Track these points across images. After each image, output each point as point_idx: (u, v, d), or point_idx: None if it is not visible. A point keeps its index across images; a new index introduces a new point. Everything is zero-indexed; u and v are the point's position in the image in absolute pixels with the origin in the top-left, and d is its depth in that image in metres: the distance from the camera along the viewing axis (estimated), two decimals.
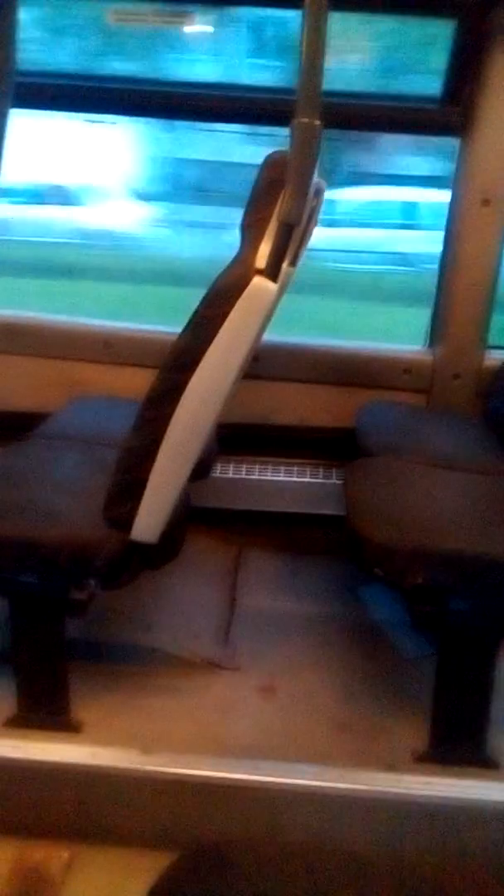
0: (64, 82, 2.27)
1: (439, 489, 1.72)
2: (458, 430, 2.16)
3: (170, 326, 2.18)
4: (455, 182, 2.23)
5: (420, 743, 1.58)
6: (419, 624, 1.52)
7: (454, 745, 1.56)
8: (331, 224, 6.76)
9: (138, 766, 1.51)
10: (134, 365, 2.27)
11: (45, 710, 1.59)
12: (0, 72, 1.28)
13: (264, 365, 2.20)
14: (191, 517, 1.70)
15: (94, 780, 1.52)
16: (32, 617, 1.55)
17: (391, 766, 1.54)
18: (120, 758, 1.52)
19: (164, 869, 1.37)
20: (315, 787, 1.50)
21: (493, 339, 2.34)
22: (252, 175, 1.47)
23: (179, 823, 1.52)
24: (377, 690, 1.78)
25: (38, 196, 7.55)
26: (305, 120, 1.26)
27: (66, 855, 1.49)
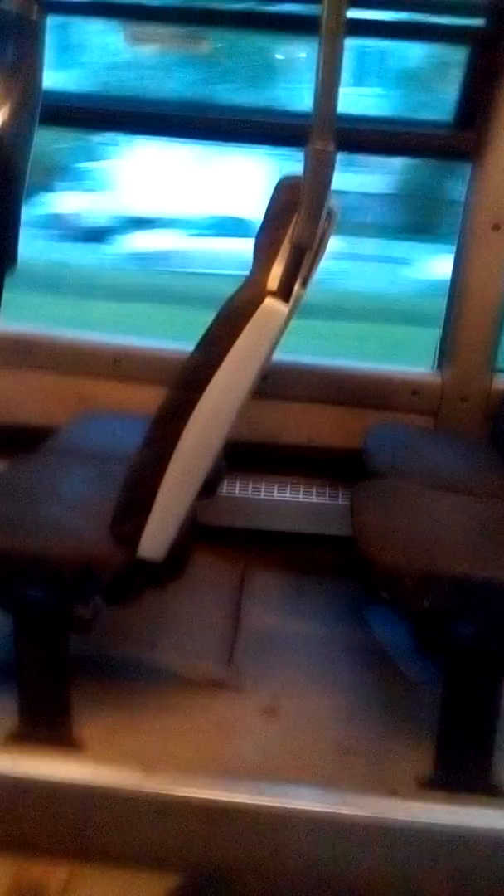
0: (87, 104, 2.31)
1: (447, 512, 1.71)
2: (466, 452, 2.16)
3: (178, 345, 2.20)
4: (465, 206, 2.24)
5: (425, 768, 1.56)
6: (425, 648, 1.51)
7: (459, 772, 1.55)
8: None
9: (139, 786, 1.50)
10: (143, 381, 2.28)
11: (47, 726, 1.58)
12: (27, 92, 1.30)
13: (273, 384, 2.20)
14: (197, 535, 1.70)
15: (94, 799, 1.51)
16: (36, 632, 1.55)
17: (395, 792, 1.52)
18: (121, 777, 1.51)
19: (166, 892, 1.36)
20: (317, 811, 1.49)
21: (501, 362, 2.35)
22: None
23: (180, 844, 1.50)
24: (381, 714, 1.77)
25: (216, 227, 7.64)
26: (320, 144, 1.28)
27: (64, 874, 1.48)
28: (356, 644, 2.03)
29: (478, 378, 2.32)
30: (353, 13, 1.28)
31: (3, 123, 1.25)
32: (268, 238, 1.39)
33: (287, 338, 1.56)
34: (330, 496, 2.39)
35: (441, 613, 1.44)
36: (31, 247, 1.48)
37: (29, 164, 1.37)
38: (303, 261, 1.35)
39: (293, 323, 1.53)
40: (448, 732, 1.55)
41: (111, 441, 1.97)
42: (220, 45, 2.39)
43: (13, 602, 1.53)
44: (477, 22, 2.07)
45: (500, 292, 2.24)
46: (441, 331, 2.40)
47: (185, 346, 1.46)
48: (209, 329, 1.38)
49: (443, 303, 2.35)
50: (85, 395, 2.35)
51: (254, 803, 1.48)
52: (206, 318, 1.40)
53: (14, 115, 1.28)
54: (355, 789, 1.52)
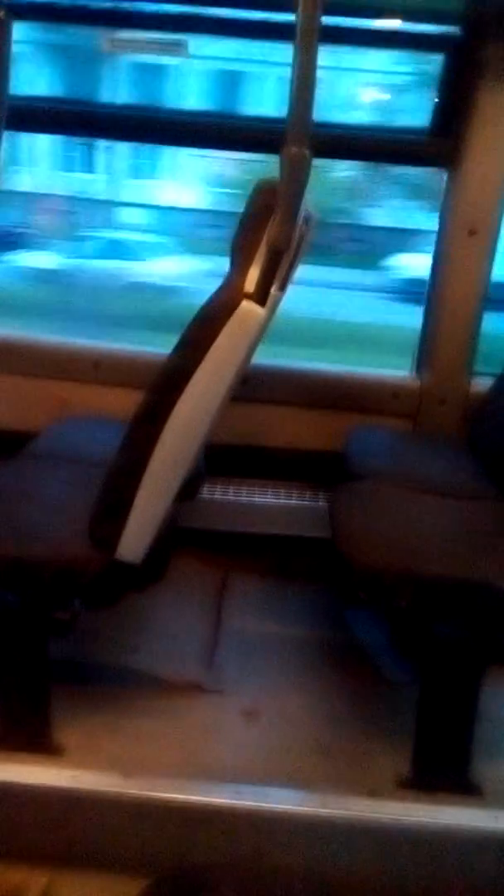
0: (58, 107, 2.30)
1: (424, 514, 1.73)
2: (443, 455, 2.18)
3: (158, 348, 2.20)
4: (442, 212, 2.27)
5: (403, 768, 1.57)
6: (403, 648, 1.52)
7: (437, 771, 1.56)
8: None
9: (119, 790, 1.50)
10: (123, 385, 2.28)
11: (26, 731, 1.58)
12: None
13: (253, 387, 2.21)
14: (177, 538, 1.70)
15: (74, 803, 1.51)
16: (15, 636, 1.54)
17: (374, 792, 1.53)
18: (101, 781, 1.51)
19: (141, 891, 1.36)
20: (298, 812, 1.49)
21: (478, 366, 2.37)
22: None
23: (160, 848, 1.50)
24: (361, 715, 1.78)
25: None
26: (295, 149, 1.29)
27: (44, 879, 1.47)
28: (336, 646, 2.04)
29: (456, 381, 2.35)
30: (328, 20, 1.30)
31: None
32: (244, 241, 1.40)
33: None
34: (310, 499, 2.40)
35: (419, 614, 1.45)
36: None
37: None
38: (279, 264, 1.36)
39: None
40: (426, 732, 1.56)
41: (91, 445, 1.97)
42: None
43: None
44: (452, 30, 2.10)
45: (477, 296, 2.27)
46: (420, 335, 2.42)
47: (164, 350, 1.46)
48: (186, 331, 1.39)
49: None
50: (65, 399, 2.35)
51: (234, 805, 1.49)
52: None
53: None
54: (335, 790, 1.53)
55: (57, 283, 7.43)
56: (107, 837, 1.50)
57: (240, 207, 1.43)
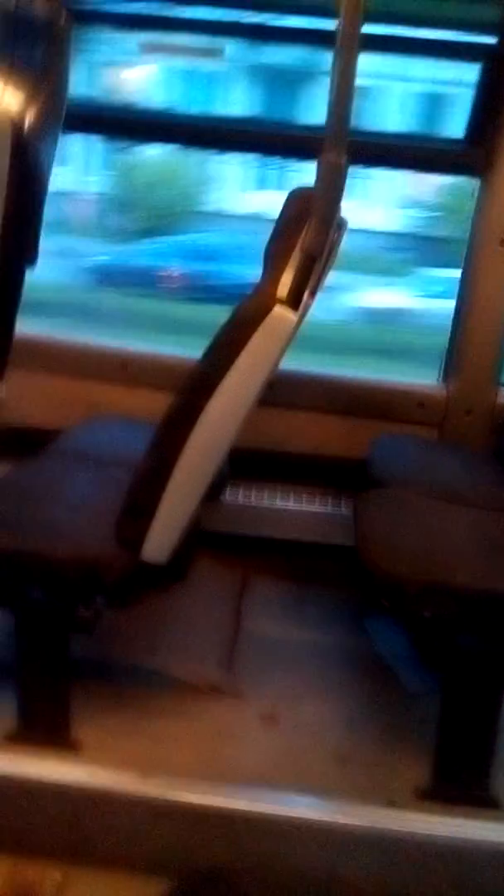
0: (101, 111, 2.33)
1: (450, 523, 1.72)
2: (469, 465, 2.16)
3: (186, 350, 2.21)
4: (473, 221, 2.26)
5: (422, 779, 1.56)
6: (425, 658, 1.51)
7: (457, 783, 1.55)
8: None
9: (136, 790, 1.50)
10: (149, 387, 2.29)
11: (46, 727, 1.59)
12: (53, 96, 1.33)
13: (279, 392, 2.21)
14: (200, 541, 1.71)
15: (90, 801, 1.51)
16: (38, 633, 1.55)
17: (392, 802, 1.52)
18: (118, 780, 1.51)
19: (164, 892, 1.36)
20: (313, 819, 1.48)
21: None
22: None
23: (174, 849, 1.50)
24: (380, 724, 1.77)
25: None
26: (332, 156, 1.30)
27: (58, 875, 1.48)
28: (356, 653, 2.03)
29: (483, 391, 2.33)
30: (368, 28, 1.30)
31: (30, 126, 1.28)
32: (279, 247, 1.41)
33: None
34: (333, 506, 2.39)
35: (442, 624, 1.44)
36: None
37: (52, 167, 1.40)
38: (313, 270, 1.36)
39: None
40: (447, 744, 1.55)
41: (117, 445, 1.98)
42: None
43: (15, 602, 1.54)
44: (489, 39, 2.10)
45: None
46: (447, 343, 2.41)
47: (191, 352, 1.47)
48: (218, 336, 1.40)
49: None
50: (92, 399, 2.36)
51: (250, 810, 1.48)
52: None
53: (40, 119, 1.30)
54: (352, 798, 1.52)
55: None
56: (122, 836, 1.51)
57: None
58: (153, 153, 4.95)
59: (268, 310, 1.34)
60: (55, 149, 1.38)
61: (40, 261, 1.51)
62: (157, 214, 6.19)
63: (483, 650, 1.48)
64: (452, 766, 1.55)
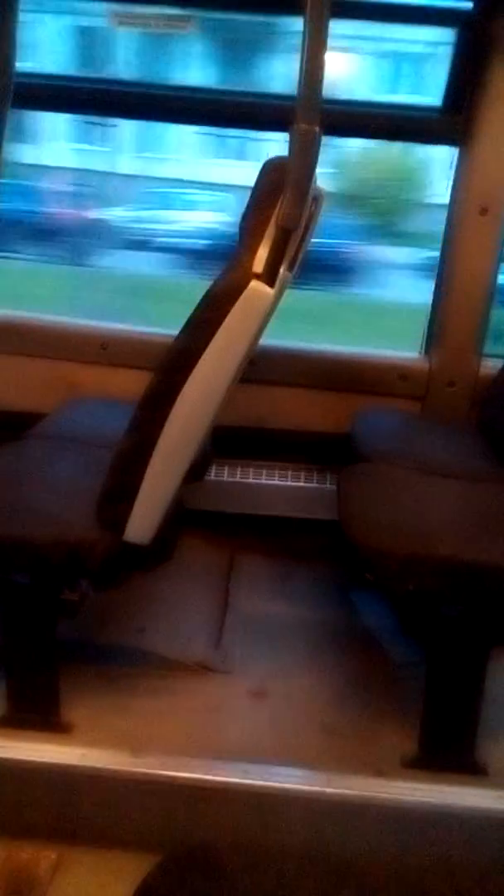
0: (63, 84, 2.28)
1: (433, 496, 1.72)
2: (452, 437, 2.17)
3: (166, 329, 2.19)
4: (453, 190, 2.24)
5: (409, 748, 1.58)
6: (410, 629, 1.52)
7: (443, 751, 1.57)
8: None
9: (128, 768, 1.51)
10: (130, 367, 2.28)
11: (36, 710, 1.59)
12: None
13: (261, 369, 2.20)
14: (185, 520, 1.70)
15: (83, 781, 1.52)
16: (24, 617, 1.55)
17: (380, 772, 1.54)
18: (109, 759, 1.52)
19: (149, 870, 1.37)
20: (304, 791, 1.50)
21: (488, 347, 2.35)
22: None
23: (168, 826, 1.52)
24: (368, 695, 1.78)
25: None
26: (305, 126, 1.28)
27: (53, 856, 1.49)
28: (343, 627, 2.05)
29: (465, 363, 2.33)
30: None
31: None
32: (253, 220, 1.39)
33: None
34: (318, 481, 2.40)
35: (426, 596, 1.45)
36: None
37: (3, 145, 1.36)
38: (288, 243, 1.35)
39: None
40: (432, 713, 1.57)
41: (98, 426, 1.97)
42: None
43: (1, 586, 1.53)
44: (465, 5, 2.06)
45: (488, 277, 2.25)
46: (429, 315, 2.40)
47: (172, 331, 1.45)
48: (194, 312, 1.38)
49: None
50: (72, 380, 2.34)
51: (241, 784, 1.50)
52: None
53: None
54: (341, 769, 1.53)
55: None
56: (115, 815, 1.52)
57: None
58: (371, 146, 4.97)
59: (244, 285, 1.32)
60: (5, 127, 1.33)
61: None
62: (384, 210, 6.15)
63: (466, 620, 1.49)
64: (438, 735, 1.57)
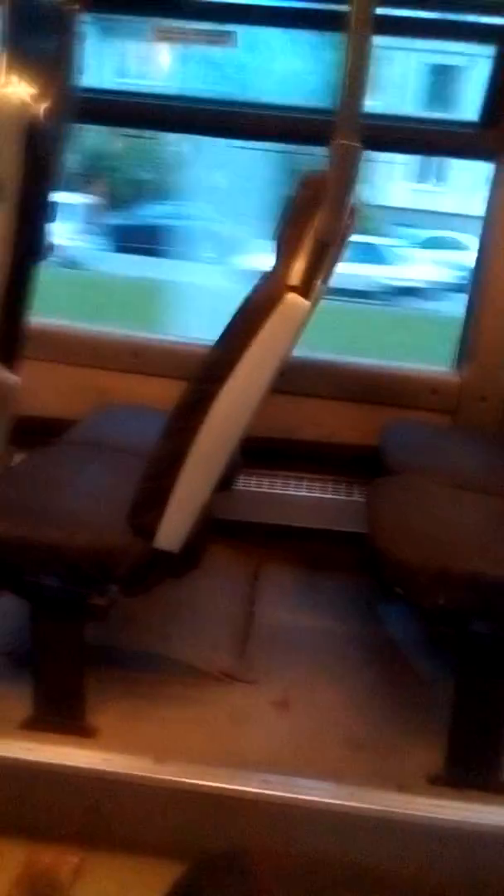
0: (113, 99, 2.32)
1: (463, 510, 1.71)
2: (483, 451, 2.15)
3: (197, 338, 2.20)
4: (489, 205, 2.23)
5: (434, 765, 1.57)
6: (439, 645, 1.51)
7: (468, 769, 1.55)
8: None
9: (150, 774, 1.51)
10: (161, 375, 2.30)
11: (61, 713, 1.60)
12: (65, 85, 1.31)
13: (290, 380, 2.19)
14: (212, 529, 1.71)
15: (106, 786, 1.53)
16: (53, 620, 1.56)
17: (403, 787, 1.52)
18: (133, 765, 1.53)
19: (181, 874, 1.37)
20: (325, 804, 1.49)
21: None
22: None
23: (189, 833, 1.52)
24: (392, 710, 1.77)
25: None
26: (345, 141, 1.28)
27: (75, 860, 1.49)
28: (369, 640, 2.04)
29: (497, 377, 2.32)
30: (382, 10, 1.28)
31: (45, 117, 1.27)
32: (290, 233, 1.40)
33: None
34: (346, 493, 2.39)
35: (455, 611, 1.44)
36: None
37: (64, 158, 1.38)
38: (326, 256, 1.36)
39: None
40: (459, 729, 1.55)
41: (129, 434, 1.99)
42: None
43: (31, 590, 1.55)
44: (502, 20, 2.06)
45: None
46: (461, 329, 2.39)
47: (202, 340, 1.47)
48: (230, 323, 1.39)
49: None
50: (104, 387, 2.37)
51: (263, 794, 1.49)
52: None
53: (53, 108, 1.29)
54: (364, 783, 1.52)
55: None
56: (137, 820, 1.52)
57: None
58: None
59: (280, 297, 1.33)
60: (67, 139, 1.37)
61: None
62: None
63: (497, 637, 1.48)
64: (465, 752, 1.55)
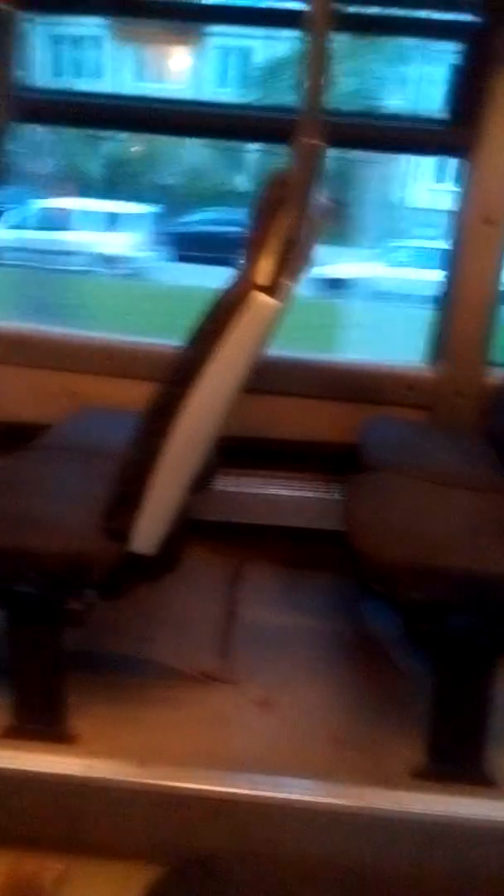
0: (65, 99, 2.30)
1: (440, 506, 1.72)
2: (460, 447, 2.16)
3: (173, 341, 2.19)
4: (459, 201, 2.24)
5: (417, 759, 1.57)
6: (417, 640, 1.52)
7: (451, 762, 1.55)
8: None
9: (134, 779, 1.51)
10: (136, 377, 2.28)
11: (42, 720, 1.59)
12: (2, 86, 1.30)
13: (267, 379, 2.19)
14: (191, 530, 1.71)
15: (89, 793, 1.52)
16: (30, 627, 1.55)
17: (387, 783, 1.53)
18: (115, 770, 1.52)
19: (153, 882, 1.36)
20: (310, 802, 1.49)
21: (496, 356, 2.35)
22: None
23: (174, 837, 1.51)
24: (375, 706, 1.78)
25: None
26: (308, 140, 1.29)
27: (59, 867, 1.49)
28: (351, 637, 2.04)
29: (472, 373, 2.33)
30: (344, 7, 1.29)
31: None
32: (257, 232, 1.40)
33: None
34: (325, 491, 2.39)
35: (433, 606, 1.45)
36: None
37: (4, 158, 1.37)
38: (292, 255, 1.36)
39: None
40: (440, 723, 1.56)
41: (104, 437, 1.98)
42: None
43: (7, 597, 1.54)
44: (470, 17, 2.07)
45: (493, 286, 2.25)
46: (436, 325, 2.40)
47: (177, 341, 1.46)
48: (199, 324, 1.39)
49: None
50: (78, 391, 2.35)
51: (248, 795, 1.49)
52: None
53: None
54: (348, 780, 1.53)
55: None
56: (121, 826, 1.52)
57: None
58: None
59: (247, 297, 1.33)
60: (5, 139, 1.35)
61: None
62: None
63: (474, 630, 1.48)
64: (446, 746, 1.56)
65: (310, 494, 2.40)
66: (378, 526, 1.58)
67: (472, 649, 1.51)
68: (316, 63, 1.26)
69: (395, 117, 2.38)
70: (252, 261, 1.36)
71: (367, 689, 1.84)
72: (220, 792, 1.50)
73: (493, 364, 2.35)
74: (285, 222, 1.32)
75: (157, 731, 1.65)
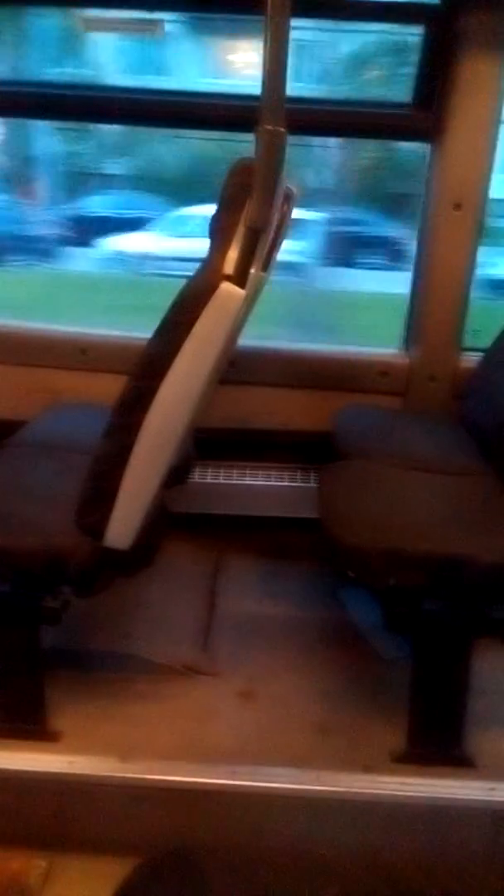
0: (32, 90, 2.26)
1: (413, 491, 1.73)
2: (433, 432, 2.17)
3: (147, 333, 2.18)
4: (427, 186, 2.24)
5: (398, 743, 1.59)
6: (393, 625, 1.53)
7: (431, 745, 1.57)
8: None
9: (116, 774, 1.51)
10: (111, 372, 2.26)
11: (22, 719, 1.59)
12: None
13: (241, 369, 2.20)
14: (169, 523, 1.70)
15: (72, 789, 1.52)
16: (6, 625, 1.54)
17: (369, 768, 1.54)
18: (98, 766, 1.52)
19: (127, 874, 1.37)
20: (293, 790, 1.51)
21: (468, 341, 2.36)
22: None
23: (159, 830, 1.52)
24: (356, 693, 1.79)
25: None
26: (270, 126, 1.27)
27: (44, 864, 1.49)
28: (330, 625, 2.05)
29: (445, 357, 2.34)
30: None
31: None
32: (223, 222, 1.38)
33: None
34: (302, 480, 2.40)
35: (407, 591, 1.45)
36: None
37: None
38: (258, 244, 1.35)
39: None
40: (419, 707, 1.57)
41: (80, 433, 1.96)
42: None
43: None
44: (430, 0, 2.06)
45: (464, 271, 2.25)
46: (408, 311, 2.41)
47: (151, 334, 1.45)
48: (166, 316, 1.38)
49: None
50: (53, 386, 2.33)
51: (231, 786, 1.50)
52: None
53: None
54: (330, 767, 1.54)
55: None
56: (105, 821, 1.52)
57: None
58: None
59: (214, 287, 1.32)
60: None
61: None
62: None
63: (449, 614, 1.49)
64: (426, 729, 1.58)
65: (287, 484, 2.40)
66: (351, 513, 1.59)
67: (447, 632, 1.52)
68: (275, 48, 1.25)
69: (359, 103, 2.35)
70: (219, 251, 1.35)
71: (347, 676, 1.85)
72: (203, 783, 1.51)
73: (465, 349, 2.36)
74: (250, 211, 1.31)
75: (139, 726, 1.65)
